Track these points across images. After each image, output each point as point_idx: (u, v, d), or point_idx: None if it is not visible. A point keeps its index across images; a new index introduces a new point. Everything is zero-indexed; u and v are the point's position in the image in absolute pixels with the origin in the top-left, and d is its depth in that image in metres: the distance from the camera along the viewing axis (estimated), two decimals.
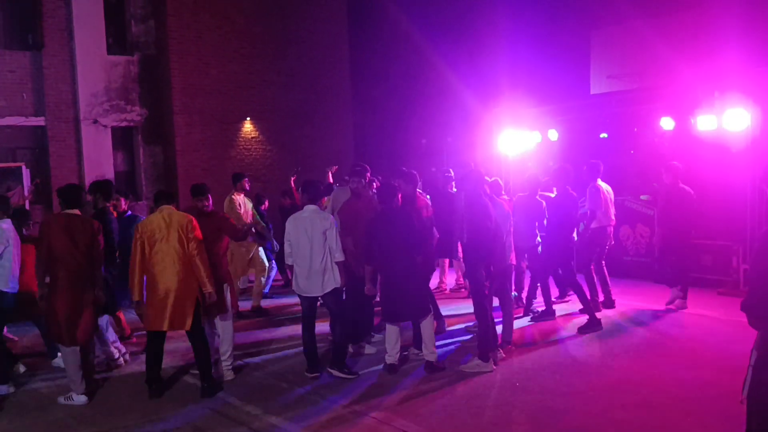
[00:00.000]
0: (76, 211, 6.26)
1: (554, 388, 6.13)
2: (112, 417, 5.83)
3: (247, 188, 9.62)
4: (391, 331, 6.70)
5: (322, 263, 6.54)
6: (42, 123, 15.06)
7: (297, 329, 8.68)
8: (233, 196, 9.34)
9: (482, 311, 6.65)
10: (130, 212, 7.73)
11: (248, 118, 17.23)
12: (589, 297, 8.33)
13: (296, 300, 10.31)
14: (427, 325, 6.70)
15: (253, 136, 17.37)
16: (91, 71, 15.37)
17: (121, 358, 7.34)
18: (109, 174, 15.57)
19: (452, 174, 9.59)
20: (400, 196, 6.78)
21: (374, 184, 8.58)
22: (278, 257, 10.35)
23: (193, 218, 6.35)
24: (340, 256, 6.59)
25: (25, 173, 14.37)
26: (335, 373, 6.64)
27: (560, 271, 8.60)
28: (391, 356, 6.73)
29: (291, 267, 6.78)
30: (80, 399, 6.20)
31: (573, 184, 8.52)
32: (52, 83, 15.02)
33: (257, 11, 17.26)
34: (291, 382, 6.61)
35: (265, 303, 10.09)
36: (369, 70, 18.87)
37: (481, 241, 6.54)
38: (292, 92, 17.74)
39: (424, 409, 5.76)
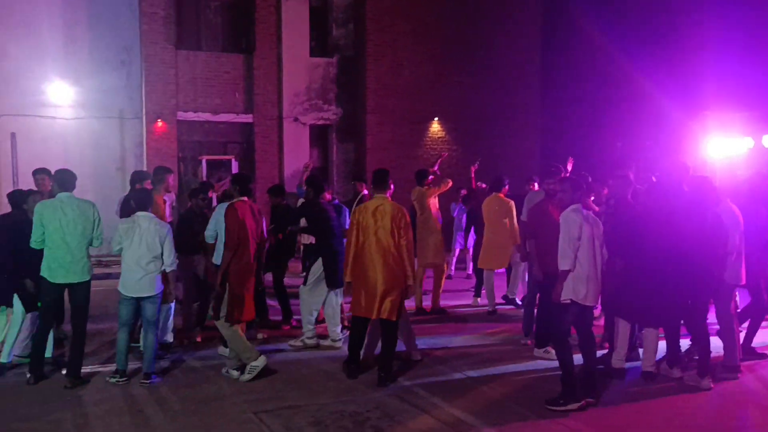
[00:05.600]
0: (246, 198, 6.76)
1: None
2: (306, 395, 6.17)
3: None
4: (650, 335, 6.49)
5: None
6: (250, 120, 16.42)
7: (476, 327, 8.83)
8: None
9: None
10: (337, 201, 8.24)
11: (436, 119, 17.53)
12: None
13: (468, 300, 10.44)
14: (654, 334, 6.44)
15: (439, 136, 17.63)
16: (294, 72, 16.50)
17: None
18: None
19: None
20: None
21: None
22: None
23: (405, 210, 6.58)
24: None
25: (234, 165, 15.75)
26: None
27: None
28: (649, 363, 6.50)
29: None
30: (259, 361, 6.48)
31: None
32: (261, 83, 16.31)
33: (451, 14, 17.48)
34: (474, 379, 6.62)
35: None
36: (559, 73, 18.37)
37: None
38: (480, 94, 17.76)
39: (617, 421, 5.50)
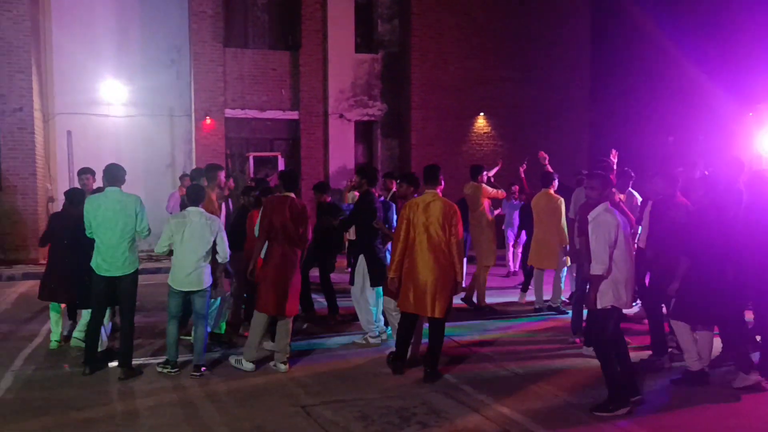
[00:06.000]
0: (292, 195, 6.76)
1: None
2: (353, 389, 6.19)
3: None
4: (704, 336, 6.32)
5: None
6: (296, 117, 16.57)
7: (523, 324, 8.76)
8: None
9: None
10: (382, 198, 8.23)
11: (482, 114, 17.39)
12: None
13: (514, 297, 10.35)
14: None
15: (485, 131, 17.49)
16: (340, 69, 16.58)
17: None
18: (350, 165, 16.68)
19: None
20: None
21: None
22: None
23: (456, 207, 6.55)
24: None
25: (280, 162, 15.91)
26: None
27: None
28: (694, 361, 6.21)
29: None
30: (248, 366, 6.63)
31: None
32: (306, 80, 16.44)
33: (498, 8, 17.33)
34: (522, 377, 6.55)
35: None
36: (609, 67, 18.03)
37: None
38: (527, 89, 17.55)
39: (669, 421, 5.39)
